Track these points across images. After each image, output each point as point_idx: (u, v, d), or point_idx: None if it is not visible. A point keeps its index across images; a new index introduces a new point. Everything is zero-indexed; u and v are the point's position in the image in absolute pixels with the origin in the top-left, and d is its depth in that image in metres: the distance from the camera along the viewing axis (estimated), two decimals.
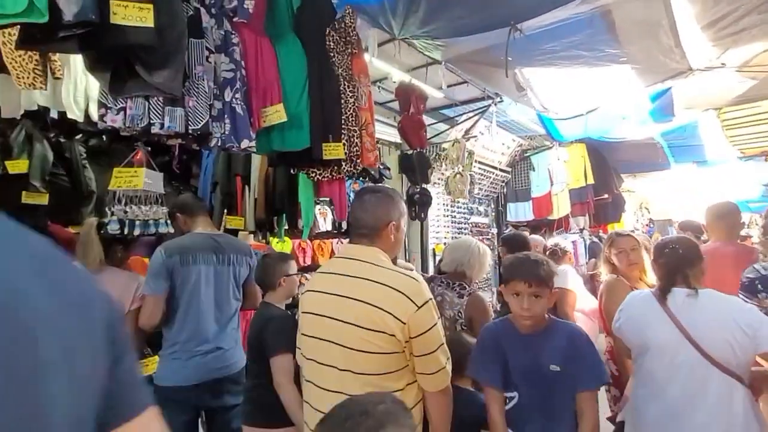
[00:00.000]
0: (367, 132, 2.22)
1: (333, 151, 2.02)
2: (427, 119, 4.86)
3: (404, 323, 1.17)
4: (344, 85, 2.14)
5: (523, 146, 6.14)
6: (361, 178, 4.20)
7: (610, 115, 3.98)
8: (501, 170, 6.03)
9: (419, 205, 3.02)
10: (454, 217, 5.31)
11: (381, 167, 4.27)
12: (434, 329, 1.23)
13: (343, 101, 2.13)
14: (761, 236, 2.39)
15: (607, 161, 6.55)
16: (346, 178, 3.79)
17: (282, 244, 3.00)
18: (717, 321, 1.49)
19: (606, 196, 6.62)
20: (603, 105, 3.47)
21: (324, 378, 1.25)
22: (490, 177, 5.84)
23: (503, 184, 6.30)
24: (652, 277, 2.15)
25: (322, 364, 1.26)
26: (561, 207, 5.95)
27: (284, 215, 2.71)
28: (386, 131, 4.01)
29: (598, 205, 6.69)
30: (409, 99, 2.90)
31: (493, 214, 6.48)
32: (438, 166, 4.65)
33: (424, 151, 2.98)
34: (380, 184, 3.01)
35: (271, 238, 2.91)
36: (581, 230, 7.03)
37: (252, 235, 2.76)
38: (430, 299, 1.25)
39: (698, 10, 2.27)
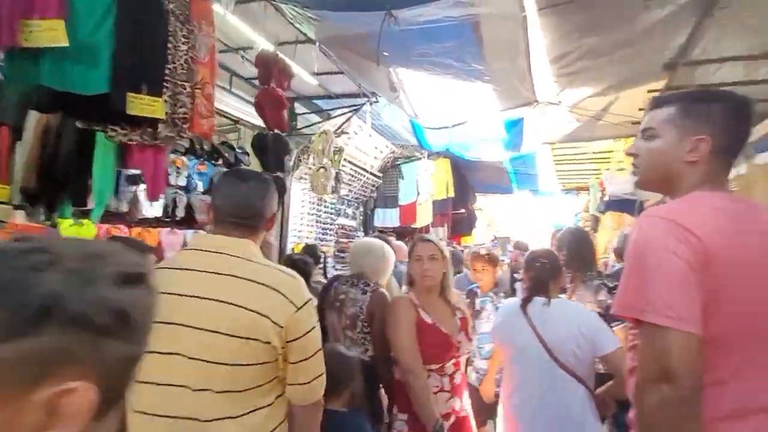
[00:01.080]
0: (204, 93, 1.76)
1: (146, 106, 1.51)
2: (299, 108, 4.52)
3: (282, 327, 1.04)
4: (175, 25, 1.65)
5: (396, 153, 6.25)
6: (211, 160, 3.60)
7: (472, 134, 4.24)
8: (373, 174, 6.01)
9: None
10: (320, 216, 5.02)
11: (239, 151, 3.73)
12: (313, 332, 1.11)
13: (171, 46, 1.64)
14: (615, 260, 2.63)
15: (467, 179, 7.18)
16: (183, 154, 3.15)
17: (78, 229, 2.24)
18: (564, 327, 1.68)
19: (463, 210, 7.22)
20: (467, 121, 3.64)
21: (168, 403, 1.00)
22: (361, 180, 5.76)
23: (373, 188, 6.31)
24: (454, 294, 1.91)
25: (166, 385, 1.00)
26: (424, 216, 6.22)
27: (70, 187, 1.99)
28: (249, 111, 3.49)
29: (456, 219, 7.25)
30: (270, 71, 2.50)
31: (361, 217, 6.43)
32: (305, 160, 4.31)
33: (285, 134, 2.60)
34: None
35: (59, 220, 2.14)
36: (441, 240, 7.52)
37: (19, 212, 1.96)
38: (310, 299, 1.12)
39: (548, 42, 2.46)
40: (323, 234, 5.09)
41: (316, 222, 4.94)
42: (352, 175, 5.48)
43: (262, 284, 1.04)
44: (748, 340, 0.82)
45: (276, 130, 2.51)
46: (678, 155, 0.92)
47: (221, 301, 1.01)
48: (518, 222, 11.36)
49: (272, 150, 2.42)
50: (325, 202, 5.18)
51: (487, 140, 4.27)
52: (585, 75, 2.90)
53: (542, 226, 9.43)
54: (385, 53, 2.89)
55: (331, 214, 5.36)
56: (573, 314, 1.74)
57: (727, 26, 2.45)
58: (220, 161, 3.56)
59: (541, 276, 1.79)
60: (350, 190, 5.68)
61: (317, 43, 2.92)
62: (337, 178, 4.02)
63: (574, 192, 8.11)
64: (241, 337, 1.00)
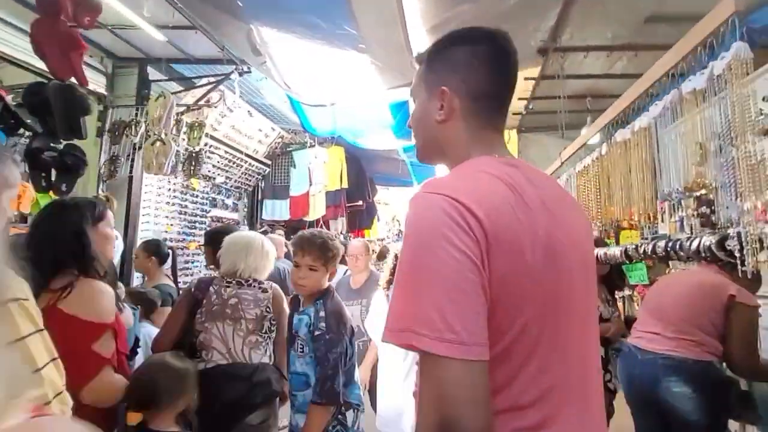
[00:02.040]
0: None
1: None
2: (154, 74, 3.70)
3: None
4: None
5: (286, 139, 5.66)
6: None
7: (357, 117, 3.88)
8: (258, 161, 5.34)
9: (57, 169, 1.86)
10: (185, 206, 4.23)
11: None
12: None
13: None
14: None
15: (364, 170, 6.88)
16: None
17: None
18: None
19: (360, 203, 6.91)
20: (347, 99, 3.25)
21: None
22: (243, 166, 5.06)
23: (260, 176, 5.63)
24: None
25: None
26: (317, 208, 5.75)
27: None
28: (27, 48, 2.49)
29: (353, 211, 6.91)
30: None
31: (246, 209, 5.71)
32: (132, 131, 3.45)
33: (79, 87, 1.88)
34: None
35: None
36: (341, 233, 7.14)
37: None
38: (16, 300, 0.75)
39: (423, 7, 2.18)
40: (190, 228, 4.31)
41: (180, 213, 4.14)
42: (230, 160, 4.76)
43: None
44: (537, 353, 0.64)
45: (65, 80, 1.80)
46: (431, 116, 0.77)
47: None
48: None
49: (57, 106, 1.71)
50: (194, 190, 4.40)
51: (374, 125, 3.95)
52: None
53: None
54: (240, 2, 2.35)
55: (203, 204, 4.59)
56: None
57: (591, 12, 2.43)
58: None
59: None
60: (228, 177, 4.95)
61: None
62: (197, 159, 3.33)
63: None
64: None
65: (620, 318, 2.61)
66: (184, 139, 3.26)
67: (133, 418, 1.21)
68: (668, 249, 1.62)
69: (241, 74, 3.42)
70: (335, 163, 5.87)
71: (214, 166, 4.54)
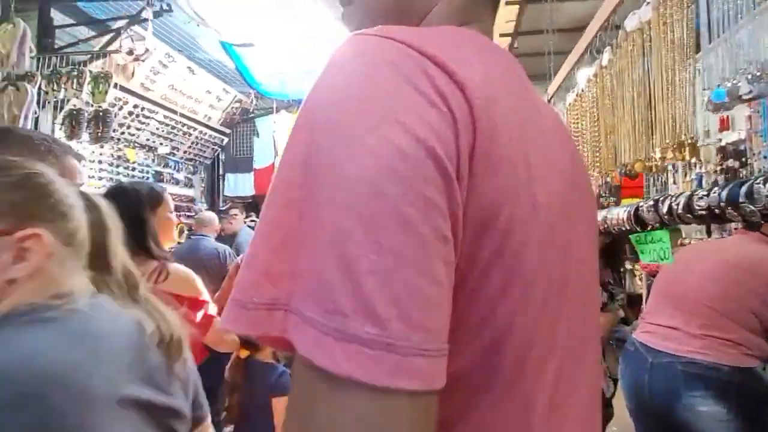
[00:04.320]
0: None
1: None
2: (58, 18, 3.05)
3: None
4: None
5: (245, 104, 5.01)
6: None
7: (310, 69, 3.24)
8: (213, 129, 4.72)
9: None
10: (118, 182, 3.65)
11: None
12: None
13: None
14: None
15: None
16: None
17: None
18: None
19: None
20: (290, 40, 2.62)
21: None
22: (192, 134, 4.44)
23: (217, 147, 5.02)
24: None
25: None
26: None
27: None
28: None
29: None
30: None
31: (204, 185, 5.13)
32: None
33: None
34: None
35: None
36: None
37: None
38: None
39: None
40: None
41: None
42: (174, 127, 4.15)
43: None
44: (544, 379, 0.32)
45: None
46: None
47: None
48: None
49: None
50: (130, 162, 3.81)
51: None
52: None
53: None
54: None
55: (144, 179, 4.00)
56: None
57: None
58: None
59: None
60: (175, 148, 4.34)
61: None
62: (104, 120, 2.72)
63: None
64: None
65: (624, 302, 2.08)
66: (89, 94, 2.64)
67: (244, 353, 1.45)
68: (721, 202, 0.91)
69: (157, 15, 2.77)
70: None
71: (152, 133, 3.94)
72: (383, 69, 0.28)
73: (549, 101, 2.11)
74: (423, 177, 0.25)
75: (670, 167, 2.05)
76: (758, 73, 0.78)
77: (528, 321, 0.30)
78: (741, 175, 2.13)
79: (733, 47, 0.84)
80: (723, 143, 2.40)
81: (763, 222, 1.07)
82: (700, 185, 2.48)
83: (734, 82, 0.84)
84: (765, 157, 2.02)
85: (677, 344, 1.38)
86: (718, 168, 2.35)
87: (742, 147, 2.20)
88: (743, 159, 2.19)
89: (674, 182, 2.79)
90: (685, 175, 2.65)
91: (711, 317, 1.35)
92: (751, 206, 0.79)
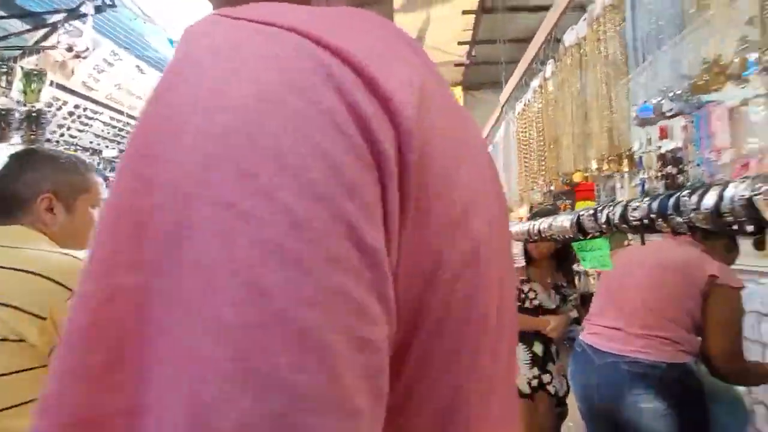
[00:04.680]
0: None
1: None
2: None
3: (44, 319, 0.80)
4: None
5: None
6: None
7: None
8: None
9: None
10: None
11: None
12: None
13: None
14: None
15: None
16: None
17: None
18: None
19: None
20: None
21: None
22: None
23: None
24: None
25: None
26: None
27: None
28: None
29: None
30: None
31: None
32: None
33: None
34: None
35: None
36: None
37: None
38: None
39: None
40: None
41: None
42: (122, 129, 3.91)
43: (19, 270, 0.83)
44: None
45: None
46: None
47: None
48: None
49: None
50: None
51: None
52: None
53: None
54: None
55: None
56: None
57: None
58: None
59: None
60: (123, 151, 4.09)
61: None
62: (37, 121, 2.51)
63: None
64: None
65: (577, 302, 2.15)
66: (20, 93, 2.43)
67: None
68: (652, 214, 0.94)
69: (99, 10, 2.59)
70: None
71: (97, 135, 3.70)
72: (273, 86, 0.18)
73: (501, 109, 2.15)
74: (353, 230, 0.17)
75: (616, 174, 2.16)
76: (679, 92, 0.83)
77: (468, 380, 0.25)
78: (679, 181, 2.28)
79: (658, 66, 0.88)
80: (662, 151, 2.54)
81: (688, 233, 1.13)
82: (643, 190, 2.62)
83: (658, 99, 0.88)
84: (698, 165, 2.16)
85: (621, 344, 1.44)
86: (659, 174, 2.48)
87: (679, 155, 2.35)
88: (680, 166, 2.33)
89: (621, 187, 2.95)
90: (631, 180, 2.80)
91: (650, 318, 1.42)
92: (678, 218, 0.83)
